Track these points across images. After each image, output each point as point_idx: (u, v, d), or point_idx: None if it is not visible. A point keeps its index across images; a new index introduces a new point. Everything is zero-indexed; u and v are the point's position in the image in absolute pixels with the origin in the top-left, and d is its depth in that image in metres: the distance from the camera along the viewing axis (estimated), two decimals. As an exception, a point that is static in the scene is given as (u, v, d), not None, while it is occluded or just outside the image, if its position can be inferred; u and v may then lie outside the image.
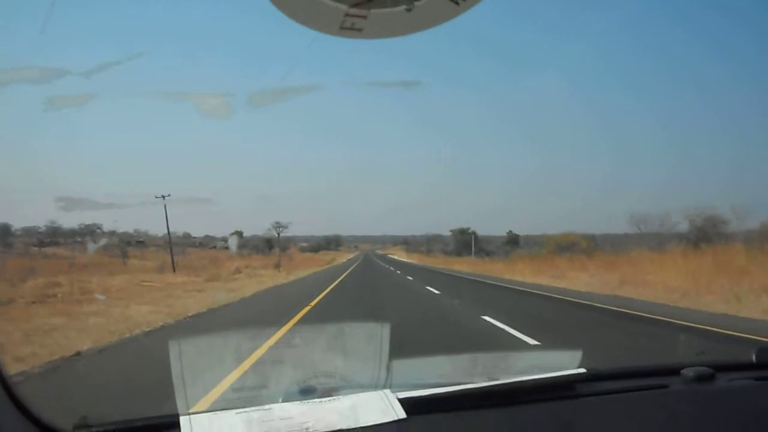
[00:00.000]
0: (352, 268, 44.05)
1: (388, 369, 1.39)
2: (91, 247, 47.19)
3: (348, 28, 0.81)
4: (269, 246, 64.12)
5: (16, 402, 1.18)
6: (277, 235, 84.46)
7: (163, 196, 40.80)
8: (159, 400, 1.48)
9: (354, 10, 0.80)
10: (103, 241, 50.72)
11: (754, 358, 1.64)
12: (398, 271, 37.56)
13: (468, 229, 79.62)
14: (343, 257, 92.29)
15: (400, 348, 1.47)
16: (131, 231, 66.97)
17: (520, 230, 77.35)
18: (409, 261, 74.92)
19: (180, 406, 1.17)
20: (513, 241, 73.49)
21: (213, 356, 1.37)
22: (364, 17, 0.80)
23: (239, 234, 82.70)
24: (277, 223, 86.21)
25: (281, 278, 29.22)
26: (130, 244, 59.26)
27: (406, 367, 1.51)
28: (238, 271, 34.47)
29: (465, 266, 46.60)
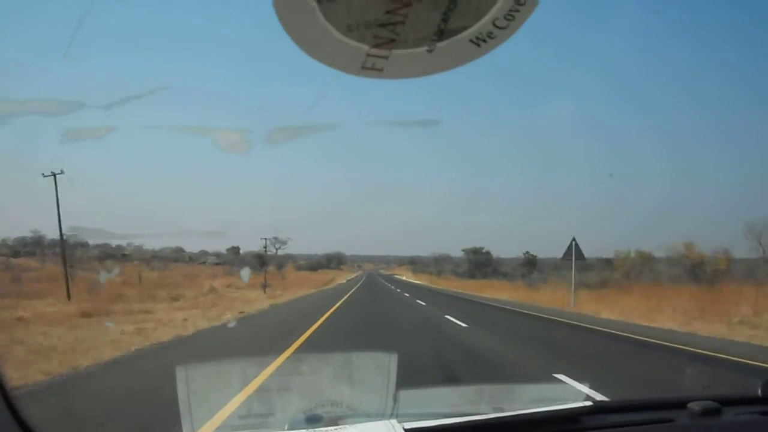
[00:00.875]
0: (352, 291, 35.54)
1: (395, 399, 1.39)
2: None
3: (369, 68, 0.82)
4: (261, 263, 57.06)
5: (15, 415, 1.20)
6: (274, 251, 76.76)
7: (54, 174, 28.52)
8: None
9: (375, 51, 0.81)
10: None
11: (759, 392, 1.63)
12: (420, 302, 25.13)
13: (482, 248, 73.93)
14: (344, 277, 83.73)
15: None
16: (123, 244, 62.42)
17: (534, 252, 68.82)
18: (419, 282, 66.27)
19: (186, 430, 1.18)
20: (530, 262, 66.02)
21: (220, 382, 1.38)
22: (386, 57, 0.82)
23: (236, 250, 76.92)
24: (275, 238, 78.08)
25: (259, 304, 22.87)
26: (109, 257, 55.22)
27: (413, 397, 1.51)
28: (212, 290, 30.36)
29: (504, 293, 33.61)
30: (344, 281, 67.14)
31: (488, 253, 73.09)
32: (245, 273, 45.94)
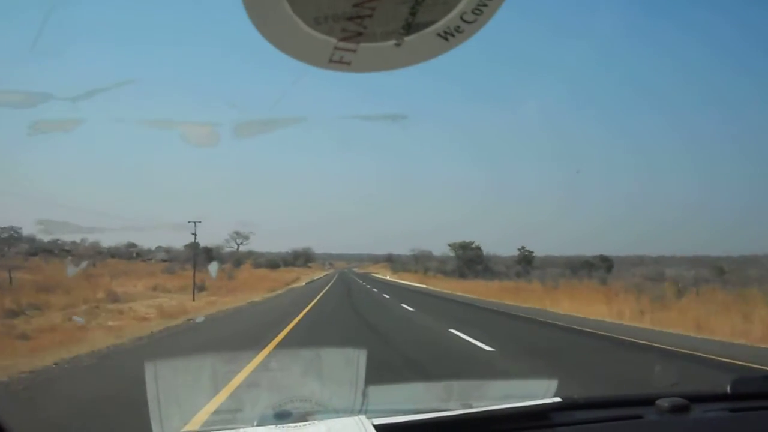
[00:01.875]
0: (320, 296, 26.67)
1: (364, 395, 1.40)
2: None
3: (337, 62, 0.83)
4: (208, 259, 49.60)
5: None
6: (236, 246, 70.96)
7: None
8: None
9: (343, 44, 0.81)
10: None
11: (729, 389, 1.65)
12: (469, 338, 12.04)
13: (471, 243, 64.52)
14: (311, 276, 71.19)
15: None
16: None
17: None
18: (409, 284, 52.21)
19: (155, 429, 1.18)
20: (526, 260, 59.88)
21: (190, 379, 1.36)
22: (354, 51, 0.82)
23: (195, 245, 68.02)
24: (237, 233, 70.85)
25: (155, 324, 14.53)
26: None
27: (382, 393, 1.52)
28: (105, 298, 22.54)
29: (531, 299, 25.47)
30: (310, 281, 55.97)
31: (479, 248, 64.46)
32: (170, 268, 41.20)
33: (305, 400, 1.38)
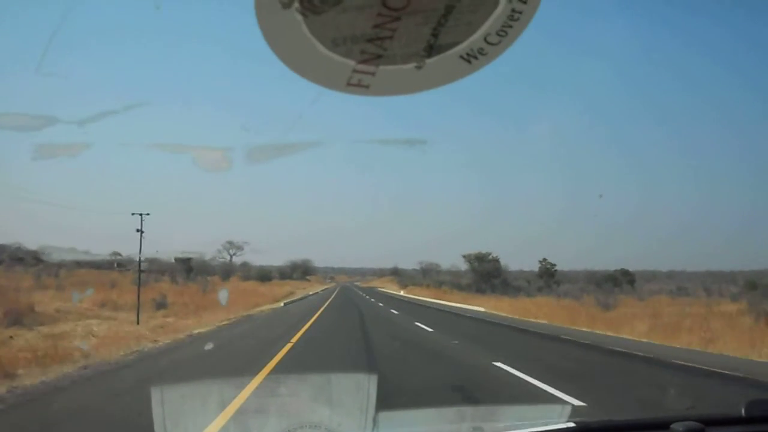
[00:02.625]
0: (312, 320, 19.03)
1: (375, 421, 1.37)
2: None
3: (355, 85, 0.81)
4: (187, 270, 44.68)
5: None
6: (229, 257, 66.05)
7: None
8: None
9: (362, 67, 0.80)
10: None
11: (743, 412, 1.63)
12: None
13: (488, 254, 58.53)
14: (308, 290, 60.87)
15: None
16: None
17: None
18: (436, 301, 41.88)
19: None
20: (548, 273, 54.78)
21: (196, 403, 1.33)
22: (372, 74, 0.81)
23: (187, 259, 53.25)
24: (229, 242, 66.27)
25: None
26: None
27: (393, 419, 1.49)
28: (12, 319, 15.57)
29: (593, 322, 19.60)
30: (306, 295, 47.44)
31: (496, 260, 58.53)
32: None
33: (315, 427, 1.36)
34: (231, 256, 68.30)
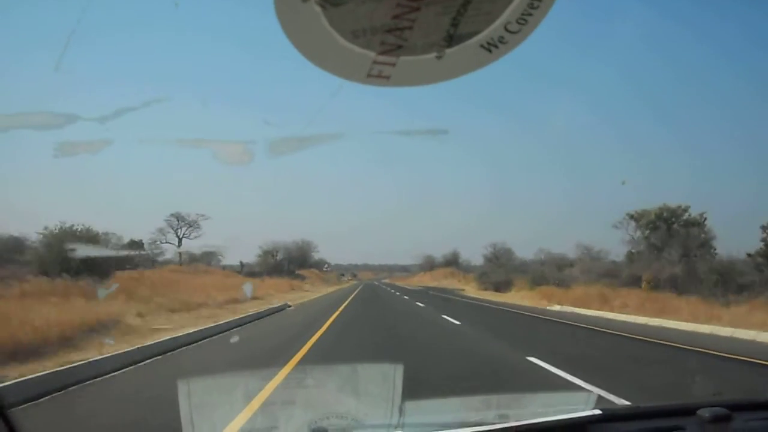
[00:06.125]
0: None
1: (401, 410, 1.38)
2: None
3: (375, 76, 0.81)
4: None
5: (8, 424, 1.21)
6: (178, 239, 47.33)
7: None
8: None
9: (382, 58, 0.80)
10: None
11: None
12: None
13: (686, 208, 39.54)
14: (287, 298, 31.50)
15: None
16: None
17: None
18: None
19: None
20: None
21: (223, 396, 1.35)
22: (393, 65, 0.80)
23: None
24: (176, 215, 46.03)
25: None
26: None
27: (419, 408, 1.50)
28: None
29: None
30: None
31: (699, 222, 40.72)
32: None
33: (341, 417, 1.37)
34: (180, 239, 49.98)
